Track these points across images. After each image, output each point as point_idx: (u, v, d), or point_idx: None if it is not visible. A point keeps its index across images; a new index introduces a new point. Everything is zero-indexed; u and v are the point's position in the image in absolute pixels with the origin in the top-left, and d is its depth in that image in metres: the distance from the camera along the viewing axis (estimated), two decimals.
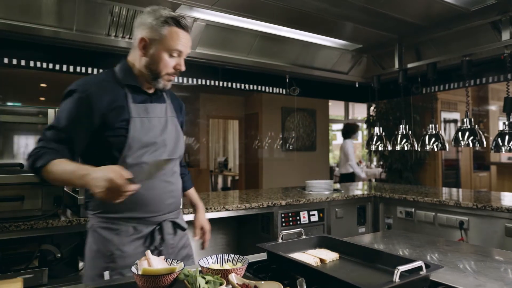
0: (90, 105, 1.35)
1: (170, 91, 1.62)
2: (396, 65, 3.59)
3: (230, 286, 1.05)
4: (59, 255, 2.01)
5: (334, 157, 11.58)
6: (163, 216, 1.48)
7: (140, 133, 1.39)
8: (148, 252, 1.12)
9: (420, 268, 1.05)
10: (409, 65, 3.52)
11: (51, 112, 2.09)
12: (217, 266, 1.18)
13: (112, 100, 1.38)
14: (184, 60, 1.46)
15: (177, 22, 1.39)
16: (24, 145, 2.41)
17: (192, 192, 1.84)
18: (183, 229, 1.58)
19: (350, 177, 6.13)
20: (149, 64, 1.42)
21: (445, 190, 3.73)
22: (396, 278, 0.96)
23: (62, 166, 1.27)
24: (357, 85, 4.40)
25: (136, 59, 1.46)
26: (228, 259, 1.22)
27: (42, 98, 7.29)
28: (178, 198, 1.56)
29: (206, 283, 1.01)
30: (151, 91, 1.50)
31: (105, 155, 1.37)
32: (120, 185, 1.13)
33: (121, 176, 1.14)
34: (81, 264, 2.19)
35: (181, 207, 1.66)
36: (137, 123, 1.39)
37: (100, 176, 1.15)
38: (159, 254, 1.42)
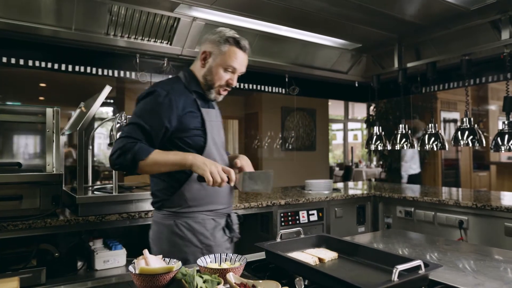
0: (171, 105, 1.50)
1: None
2: (396, 65, 3.58)
3: (228, 285, 1.04)
4: (57, 254, 2.00)
5: (334, 156, 11.58)
6: (229, 208, 1.70)
7: (213, 134, 1.60)
8: (146, 251, 1.12)
9: (419, 267, 1.04)
10: (409, 65, 3.52)
11: (49, 111, 2.08)
12: (215, 265, 1.17)
13: (185, 104, 1.54)
14: (237, 77, 1.63)
15: (237, 42, 1.57)
16: (24, 145, 2.40)
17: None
18: (239, 221, 1.79)
19: (418, 178, 5.70)
20: (205, 75, 1.61)
21: (444, 189, 3.73)
22: (395, 277, 0.96)
23: (163, 153, 1.44)
24: (356, 85, 4.40)
25: (197, 69, 1.64)
26: (226, 258, 1.21)
27: (41, 98, 7.28)
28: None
29: (204, 282, 1.00)
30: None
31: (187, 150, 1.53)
32: (218, 169, 1.35)
33: (223, 168, 1.37)
34: (79, 264, 2.19)
35: None
36: (208, 125, 1.58)
37: (207, 160, 1.39)
38: (232, 241, 1.71)
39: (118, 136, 1.51)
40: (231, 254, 1.22)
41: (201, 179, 1.39)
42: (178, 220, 1.56)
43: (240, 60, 1.59)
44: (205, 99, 1.65)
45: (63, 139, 3.56)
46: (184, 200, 1.56)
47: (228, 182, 1.39)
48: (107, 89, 2.08)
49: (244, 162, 1.65)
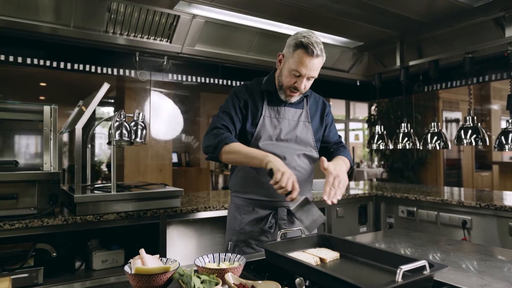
0: (240, 103, 1.68)
1: (318, 97, 1.89)
2: (398, 63, 3.55)
3: (227, 286, 1.01)
4: (54, 254, 1.97)
5: None
6: (280, 202, 1.68)
7: (267, 129, 1.66)
8: (142, 251, 1.09)
9: (423, 267, 1.01)
10: (411, 63, 3.49)
11: (46, 109, 2.05)
12: (213, 266, 1.14)
13: (253, 102, 1.70)
14: (306, 82, 1.62)
15: (306, 47, 1.55)
16: (21, 143, 2.38)
17: (339, 156, 1.76)
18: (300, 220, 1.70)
19: None
20: (278, 76, 1.69)
21: (447, 189, 3.69)
22: (399, 278, 0.93)
23: (244, 148, 1.54)
24: (358, 84, 4.37)
25: (277, 70, 1.72)
26: (225, 258, 1.18)
27: (42, 97, 7.26)
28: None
29: (202, 282, 0.97)
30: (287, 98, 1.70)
31: (241, 141, 1.63)
32: (289, 177, 1.36)
33: (293, 182, 1.38)
34: (77, 264, 2.16)
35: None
36: (266, 120, 1.68)
37: (282, 163, 1.41)
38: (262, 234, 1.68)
39: (211, 122, 1.68)
40: (230, 254, 1.19)
41: (270, 173, 1.41)
42: (231, 201, 1.78)
43: (307, 65, 1.55)
44: (279, 98, 1.70)
45: (65, 138, 3.53)
46: (233, 183, 1.77)
47: (288, 194, 1.40)
48: (105, 86, 2.05)
49: (332, 166, 1.55)
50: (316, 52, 1.55)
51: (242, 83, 1.79)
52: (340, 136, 1.92)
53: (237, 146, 1.55)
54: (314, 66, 1.57)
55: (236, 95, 1.71)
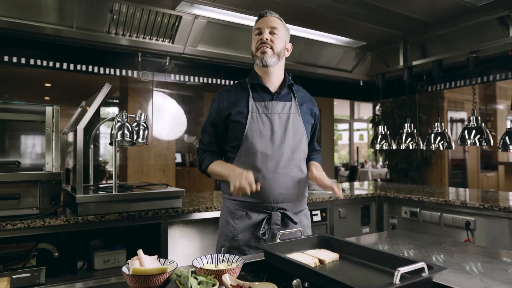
0: (219, 108, 1.70)
1: (304, 91, 1.85)
2: (401, 63, 3.53)
3: (224, 287, 1.01)
4: (56, 254, 1.98)
5: (339, 157, 11.51)
6: (273, 205, 1.63)
7: (257, 125, 1.63)
8: (140, 251, 1.09)
9: (422, 269, 1.00)
10: (414, 63, 3.46)
11: (48, 110, 2.06)
12: (211, 267, 1.14)
13: (236, 100, 1.68)
14: (271, 36, 1.67)
15: (260, 15, 1.73)
16: (24, 143, 2.39)
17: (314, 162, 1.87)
18: (294, 223, 1.66)
19: None
20: (251, 54, 1.74)
21: (451, 190, 3.66)
22: (397, 280, 0.92)
23: (216, 168, 1.68)
24: (361, 84, 4.35)
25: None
26: (223, 259, 1.18)
27: (47, 98, 7.31)
28: (293, 190, 1.67)
29: (199, 284, 0.97)
30: (274, 90, 1.72)
31: (233, 141, 1.67)
32: (244, 180, 1.43)
33: (246, 176, 1.45)
34: (79, 264, 2.17)
35: (301, 203, 1.75)
36: (254, 116, 1.64)
37: (238, 174, 1.48)
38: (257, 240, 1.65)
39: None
40: (228, 255, 1.19)
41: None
42: (224, 205, 1.74)
43: (263, 20, 1.69)
44: (266, 92, 1.70)
45: (70, 138, 3.53)
46: (225, 185, 1.72)
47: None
48: (107, 87, 2.06)
49: (316, 172, 1.76)
50: (270, 14, 1.70)
51: (223, 89, 1.81)
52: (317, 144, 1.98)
53: (211, 167, 1.70)
54: (269, 20, 1.68)
55: (215, 103, 1.75)
